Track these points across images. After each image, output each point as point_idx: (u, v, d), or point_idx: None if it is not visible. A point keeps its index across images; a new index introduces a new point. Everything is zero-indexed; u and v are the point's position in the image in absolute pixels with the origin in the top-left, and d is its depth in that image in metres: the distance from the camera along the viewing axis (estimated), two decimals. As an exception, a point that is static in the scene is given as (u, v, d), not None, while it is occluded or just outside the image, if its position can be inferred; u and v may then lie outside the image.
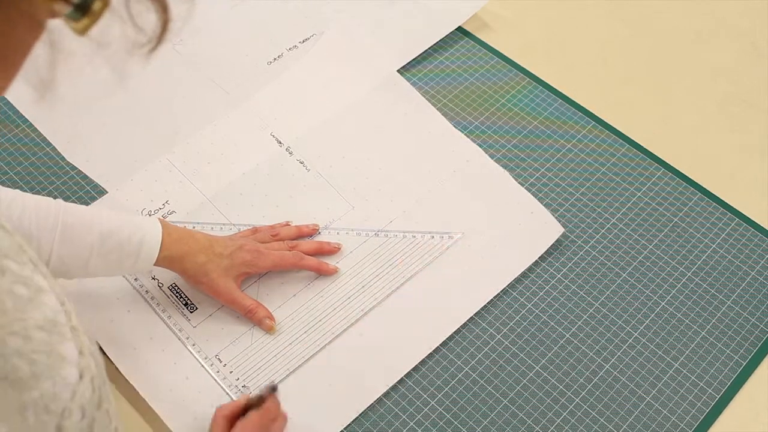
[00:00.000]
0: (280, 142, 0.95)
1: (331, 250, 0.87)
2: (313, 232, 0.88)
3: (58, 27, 0.42)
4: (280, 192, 0.91)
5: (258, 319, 0.81)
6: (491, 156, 0.95)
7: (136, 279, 0.83)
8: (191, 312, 0.82)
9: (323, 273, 0.85)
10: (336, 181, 0.92)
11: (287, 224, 0.88)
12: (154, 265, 0.77)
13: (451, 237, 0.88)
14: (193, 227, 0.86)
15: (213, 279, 0.80)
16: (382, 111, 0.98)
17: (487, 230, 0.89)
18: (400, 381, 0.79)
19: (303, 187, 0.92)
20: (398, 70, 1.03)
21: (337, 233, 0.88)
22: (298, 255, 0.84)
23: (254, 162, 0.94)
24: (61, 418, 0.46)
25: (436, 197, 0.91)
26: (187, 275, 0.80)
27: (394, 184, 0.92)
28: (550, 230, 0.89)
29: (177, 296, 0.82)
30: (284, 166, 0.93)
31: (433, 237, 0.87)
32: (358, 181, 0.92)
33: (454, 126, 0.98)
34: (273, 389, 0.71)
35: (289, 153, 0.94)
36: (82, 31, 0.42)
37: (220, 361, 0.79)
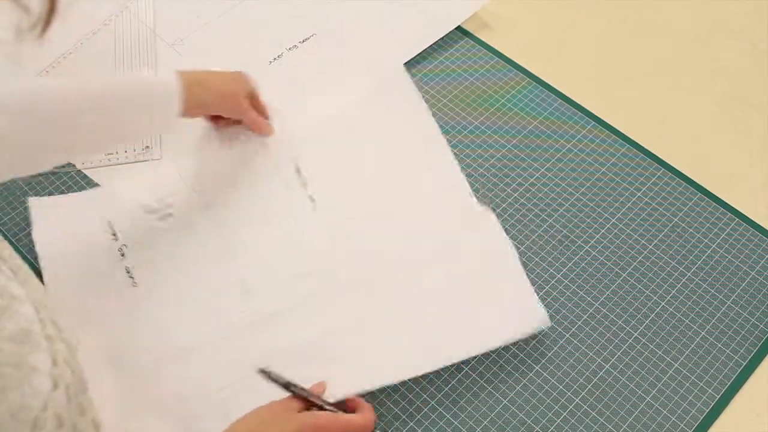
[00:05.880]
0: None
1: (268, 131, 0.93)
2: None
3: None
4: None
5: (259, 126, 0.91)
6: (491, 156, 0.95)
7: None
8: None
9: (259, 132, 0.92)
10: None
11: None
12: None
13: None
14: None
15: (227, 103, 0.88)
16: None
17: (467, 285, 0.84)
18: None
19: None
20: (398, 70, 1.03)
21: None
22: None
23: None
24: (34, 427, 0.45)
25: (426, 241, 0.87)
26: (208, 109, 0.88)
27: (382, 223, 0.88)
28: (532, 317, 0.81)
29: None
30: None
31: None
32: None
33: (456, 127, 0.98)
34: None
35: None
36: None
37: None
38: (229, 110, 0.89)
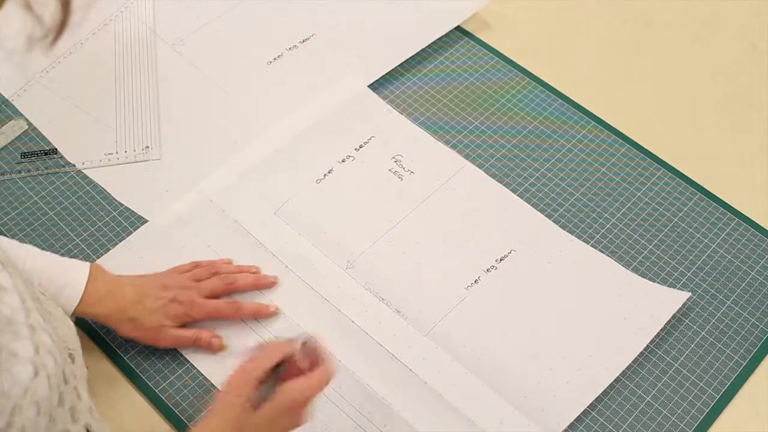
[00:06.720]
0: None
1: (268, 285, 0.83)
2: (260, 280, 0.83)
3: None
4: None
5: (207, 344, 0.79)
6: (491, 156, 0.95)
7: None
8: None
9: (262, 317, 0.81)
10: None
11: (228, 262, 0.84)
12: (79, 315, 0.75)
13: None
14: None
15: (144, 335, 0.78)
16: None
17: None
18: (400, 381, 0.79)
19: None
20: (397, 69, 1.02)
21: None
22: (234, 306, 0.80)
23: None
24: (11, 415, 0.47)
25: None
26: (118, 330, 0.78)
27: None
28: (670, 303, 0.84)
29: None
30: None
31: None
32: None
33: (456, 127, 0.98)
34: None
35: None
36: None
37: None
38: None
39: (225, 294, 0.81)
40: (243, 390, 0.63)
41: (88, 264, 0.77)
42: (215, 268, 0.82)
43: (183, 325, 0.79)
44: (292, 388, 0.64)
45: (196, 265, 0.83)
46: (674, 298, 0.84)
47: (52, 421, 0.50)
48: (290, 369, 0.65)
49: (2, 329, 0.47)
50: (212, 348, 0.79)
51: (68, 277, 0.74)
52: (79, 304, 0.74)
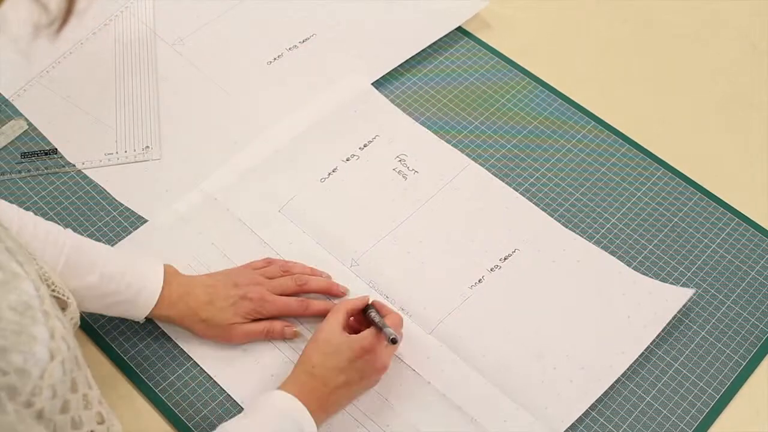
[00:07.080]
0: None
1: (339, 293, 0.83)
2: (333, 287, 0.83)
3: None
4: None
5: (279, 334, 0.80)
6: (491, 156, 0.95)
7: None
8: None
9: (324, 314, 0.80)
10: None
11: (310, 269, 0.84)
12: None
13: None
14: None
15: (217, 334, 0.79)
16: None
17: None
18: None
19: None
20: (397, 70, 1.02)
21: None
22: (304, 304, 0.80)
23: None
24: (32, 395, 0.48)
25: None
26: (191, 330, 0.79)
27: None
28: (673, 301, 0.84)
29: None
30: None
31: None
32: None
33: (456, 127, 0.98)
34: (393, 341, 0.73)
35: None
36: None
37: None
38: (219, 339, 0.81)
39: (294, 294, 0.82)
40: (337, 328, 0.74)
41: (161, 266, 0.78)
42: (287, 267, 0.83)
43: (254, 321, 0.80)
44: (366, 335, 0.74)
45: (269, 262, 0.83)
46: (678, 296, 0.84)
47: (67, 405, 0.51)
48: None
49: (22, 312, 0.49)
50: (285, 337, 0.80)
51: (144, 280, 0.76)
52: (153, 308, 0.76)
